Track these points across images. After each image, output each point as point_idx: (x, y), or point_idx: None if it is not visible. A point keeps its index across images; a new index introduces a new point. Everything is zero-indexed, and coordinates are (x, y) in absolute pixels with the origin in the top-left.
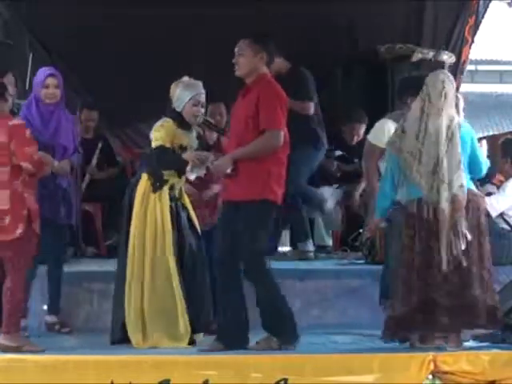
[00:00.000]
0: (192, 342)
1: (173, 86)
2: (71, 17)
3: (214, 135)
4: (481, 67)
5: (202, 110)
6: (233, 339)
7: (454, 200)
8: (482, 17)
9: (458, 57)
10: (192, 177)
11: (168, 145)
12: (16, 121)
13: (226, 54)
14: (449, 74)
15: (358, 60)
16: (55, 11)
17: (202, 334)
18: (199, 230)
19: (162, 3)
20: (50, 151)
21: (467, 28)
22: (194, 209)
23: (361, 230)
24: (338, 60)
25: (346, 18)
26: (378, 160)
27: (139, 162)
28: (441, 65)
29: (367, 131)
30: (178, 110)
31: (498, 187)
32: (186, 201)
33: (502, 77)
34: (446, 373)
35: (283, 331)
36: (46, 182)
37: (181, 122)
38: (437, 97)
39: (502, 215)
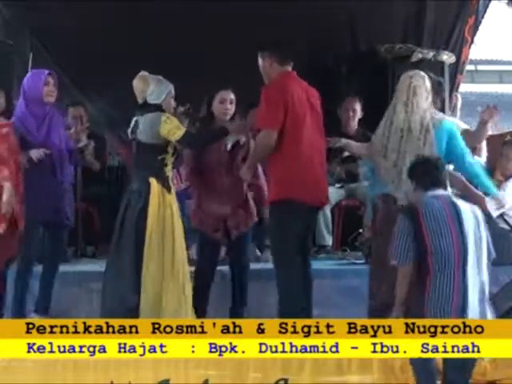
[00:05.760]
0: None
1: (141, 82)
2: (72, 16)
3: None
4: (481, 67)
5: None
6: None
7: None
8: (482, 17)
9: (458, 57)
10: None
11: None
12: None
13: (226, 54)
14: (422, 73)
15: (358, 60)
16: (56, 11)
17: None
18: None
19: (164, 1)
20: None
21: (467, 28)
22: None
23: (360, 230)
24: (337, 60)
25: (345, 18)
26: None
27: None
28: (440, 65)
29: (367, 124)
30: (157, 102)
31: (498, 187)
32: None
33: (501, 77)
34: None
35: None
36: (46, 182)
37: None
38: (403, 91)
39: (502, 215)
